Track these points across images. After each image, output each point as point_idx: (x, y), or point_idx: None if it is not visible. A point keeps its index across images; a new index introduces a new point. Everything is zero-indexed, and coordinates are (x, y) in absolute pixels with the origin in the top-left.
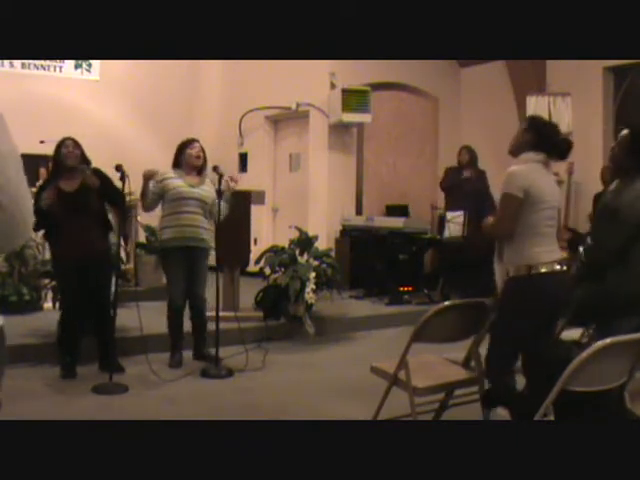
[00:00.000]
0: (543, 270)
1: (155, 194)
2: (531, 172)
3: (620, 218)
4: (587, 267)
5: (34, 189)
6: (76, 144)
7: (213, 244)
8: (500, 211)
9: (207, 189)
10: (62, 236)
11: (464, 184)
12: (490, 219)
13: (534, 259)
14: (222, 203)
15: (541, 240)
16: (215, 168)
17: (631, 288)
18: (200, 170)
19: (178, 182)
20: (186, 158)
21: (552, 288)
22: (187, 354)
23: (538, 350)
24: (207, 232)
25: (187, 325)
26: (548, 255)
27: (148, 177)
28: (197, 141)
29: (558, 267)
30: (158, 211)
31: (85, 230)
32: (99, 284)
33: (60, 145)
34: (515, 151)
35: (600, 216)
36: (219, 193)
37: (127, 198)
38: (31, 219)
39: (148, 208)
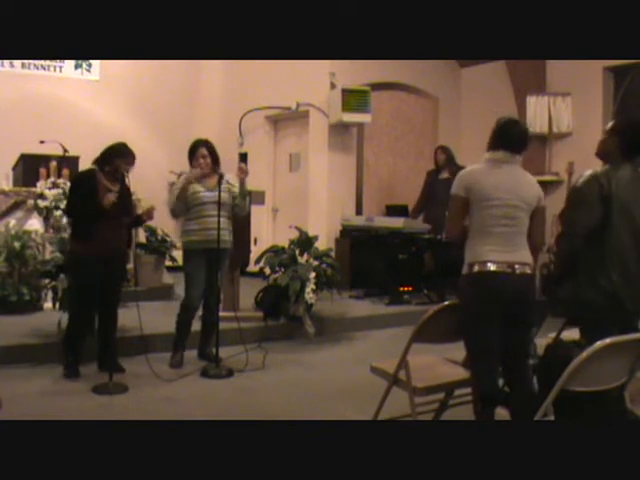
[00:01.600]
0: (485, 268)
1: (181, 202)
2: (477, 171)
3: (586, 201)
4: (559, 259)
5: (35, 189)
6: (134, 160)
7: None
8: (448, 213)
9: (224, 190)
10: (92, 234)
11: (444, 185)
12: None
13: (480, 256)
14: (239, 199)
15: (493, 239)
16: (215, 169)
17: (590, 297)
18: (213, 170)
19: (197, 187)
20: (195, 166)
21: (498, 287)
22: (187, 353)
23: (512, 356)
24: (229, 233)
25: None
26: (499, 255)
27: (191, 181)
28: (200, 146)
29: (509, 270)
30: (162, 213)
31: (116, 231)
32: (114, 286)
33: (127, 154)
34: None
35: (569, 199)
36: (219, 194)
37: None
38: None
39: (179, 217)
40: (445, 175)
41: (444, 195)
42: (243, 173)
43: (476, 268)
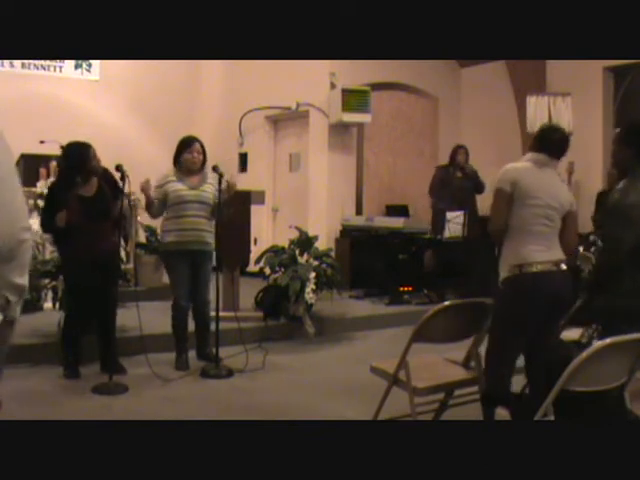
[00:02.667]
0: (535, 269)
1: (158, 200)
2: (521, 168)
3: (631, 217)
4: (598, 271)
5: (35, 189)
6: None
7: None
8: (492, 206)
9: (208, 189)
10: (77, 239)
11: (460, 183)
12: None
13: (527, 257)
14: (218, 210)
15: (535, 239)
16: (215, 168)
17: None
18: (200, 169)
19: (178, 185)
20: (184, 162)
21: (545, 287)
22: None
23: (539, 350)
24: (210, 235)
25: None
26: (543, 254)
27: (144, 189)
28: (196, 141)
29: (555, 268)
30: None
31: (100, 234)
32: (108, 285)
33: (88, 151)
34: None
35: (610, 216)
36: (220, 193)
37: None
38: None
39: (155, 216)
40: (459, 174)
41: (460, 194)
42: (229, 191)
43: (525, 269)
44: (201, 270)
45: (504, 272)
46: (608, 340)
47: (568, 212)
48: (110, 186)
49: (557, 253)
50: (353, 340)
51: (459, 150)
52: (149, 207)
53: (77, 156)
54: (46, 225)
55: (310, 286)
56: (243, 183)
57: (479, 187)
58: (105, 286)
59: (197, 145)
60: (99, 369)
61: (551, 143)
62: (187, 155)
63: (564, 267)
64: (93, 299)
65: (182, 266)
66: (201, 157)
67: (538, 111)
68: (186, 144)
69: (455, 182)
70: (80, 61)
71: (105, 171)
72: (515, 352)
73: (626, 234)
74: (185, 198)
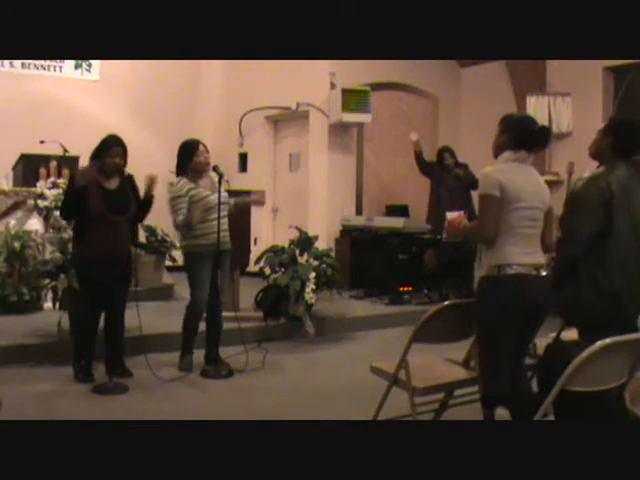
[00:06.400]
0: (514, 271)
1: (186, 211)
2: (506, 171)
3: (587, 207)
4: (559, 265)
5: (35, 189)
6: (125, 151)
7: None
8: (481, 213)
9: (223, 190)
10: (94, 233)
11: (453, 183)
12: (464, 222)
13: (508, 258)
14: (233, 207)
15: (518, 240)
16: (215, 168)
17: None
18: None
19: (202, 191)
20: (195, 166)
21: (522, 291)
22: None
23: (518, 355)
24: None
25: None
26: (525, 257)
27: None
28: (200, 143)
29: (534, 272)
30: (162, 212)
31: (118, 230)
32: (119, 287)
33: (110, 146)
34: (495, 154)
35: (569, 205)
36: (219, 193)
37: None
38: None
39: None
40: (455, 175)
41: (452, 195)
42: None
43: (504, 271)
44: (222, 270)
45: (482, 272)
46: (608, 340)
47: (548, 208)
48: (133, 191)
49: (539, 257)
50: (353, 340)
51: (444, 154)
52: (188, 225)
53: (101, 141)
54: (66, 209)
55: (310, 286)
56: (243, 183)
57: (474, 185)
58: (117, 285)
59: (202, 146)
60: (104, 371)
61: (532, 136)
62: (198, 158)
63: (544, 273)
64: (103, 298)
65: (208, 269)
66: (209, 155)
67: (538, 111)
68: (193, 147)
69: (447, 183)
70: (80, 61)
71: (130, 176)
72: (504, 351)
73: (583, 223)
74: (212, 202)
